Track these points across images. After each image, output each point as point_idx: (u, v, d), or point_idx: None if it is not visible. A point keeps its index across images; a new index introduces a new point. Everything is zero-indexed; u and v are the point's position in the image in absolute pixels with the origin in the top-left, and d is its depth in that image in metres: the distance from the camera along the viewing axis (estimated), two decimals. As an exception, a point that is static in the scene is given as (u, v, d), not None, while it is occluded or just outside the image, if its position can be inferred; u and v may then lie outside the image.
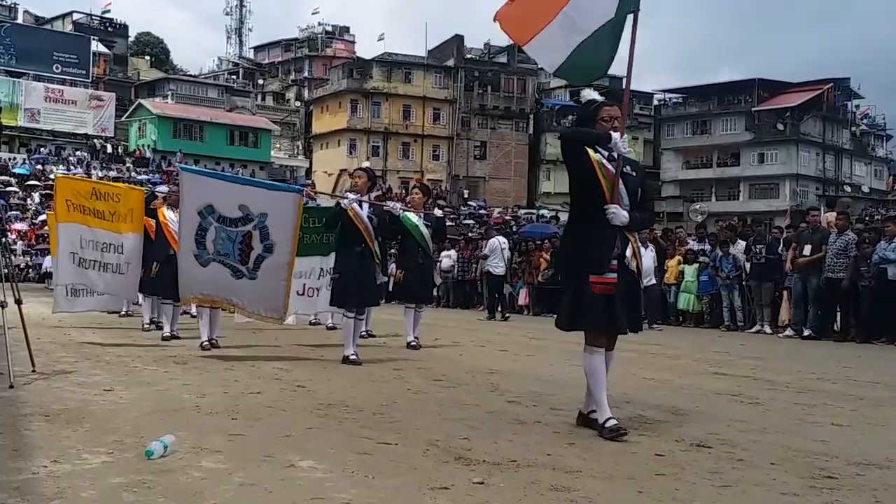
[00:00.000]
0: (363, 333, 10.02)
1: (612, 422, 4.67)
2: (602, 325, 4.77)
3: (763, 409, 5.99)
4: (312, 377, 6.87)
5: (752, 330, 15.07)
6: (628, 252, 4.82)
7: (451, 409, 5.54)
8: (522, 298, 21.19)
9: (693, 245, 17.53)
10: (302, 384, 6.53)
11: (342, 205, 8.25)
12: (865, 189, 63.71)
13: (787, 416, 5.69)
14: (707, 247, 16.94)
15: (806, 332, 13.61)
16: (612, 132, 4.79)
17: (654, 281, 15.49)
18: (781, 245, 15.19)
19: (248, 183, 9.18)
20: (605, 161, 4.82)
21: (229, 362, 7.87)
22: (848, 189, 61.40)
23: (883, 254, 12.79)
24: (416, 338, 9.92)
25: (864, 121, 69.99)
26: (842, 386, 7.50)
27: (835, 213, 15.64)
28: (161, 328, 10.86)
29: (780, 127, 61.68)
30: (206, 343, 9.00)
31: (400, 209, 8.93)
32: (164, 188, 10.75)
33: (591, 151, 4.81)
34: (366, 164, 9.67)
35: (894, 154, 73.01)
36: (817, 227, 14.34)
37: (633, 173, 4.96)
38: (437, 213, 10.43)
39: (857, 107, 68.88)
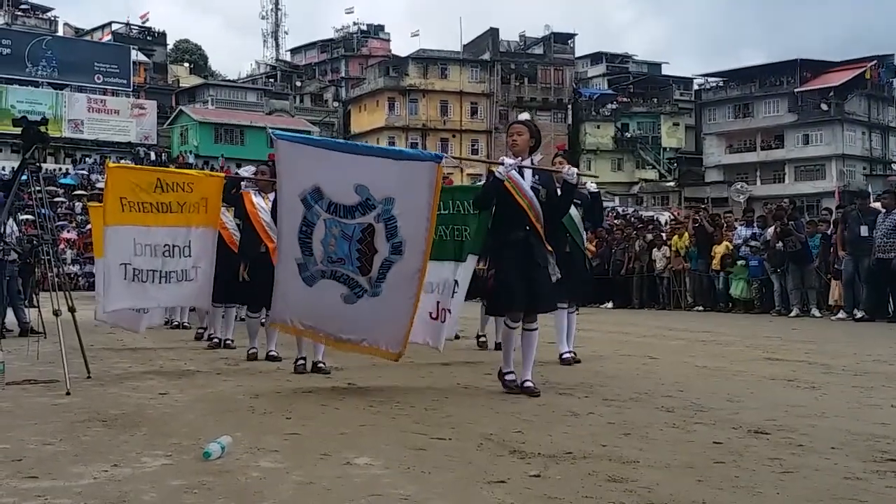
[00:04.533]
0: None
1: None
2: None
3: (820, 393, 5.90)
4: (363, 374, 6.89)
5: (792, 315, 14.84)
6: None
7: (503, 403, 5.52)
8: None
9: (741, 230, 17.22)
10: (353, 382, 6.55)
11: (498, 174, 5.96)
12: (914, 166, 62.52)
13: (844, 400, 5.59)
14: (757, 230, 16.67)
15: (858, 315, 13.37)
16: None
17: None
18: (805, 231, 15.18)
19: (367, 152, 6.50)
20: None
21: (278, 362, 7.89)
22: (896, 167, 60.27)
23: (936, 232, 12.55)
24: (571, 350, 7.86)
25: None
26: (900, 367, 7.36)
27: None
28: (226, 345, 9.46)
29: (824, 107, 60.64)
30: (254, 350, 8.28)
31: (578, 175, 6.26)
32: (250, 168, 8.56)
33: None
34: (524, 115, 6.93)
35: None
36: (866, 208, 14.08)
37: None
38: (591, 187, 7.94)
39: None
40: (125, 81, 64.04)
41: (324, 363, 7.12)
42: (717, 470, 3.67)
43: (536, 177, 6.05)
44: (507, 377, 6.01)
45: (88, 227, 36.94)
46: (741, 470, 3.66)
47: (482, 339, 9.30)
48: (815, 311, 14.74)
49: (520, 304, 5.85)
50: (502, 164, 5.96)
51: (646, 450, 4.05)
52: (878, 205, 14.22)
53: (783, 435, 4.38)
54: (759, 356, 8.33)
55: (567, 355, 7.75)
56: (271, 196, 7.74)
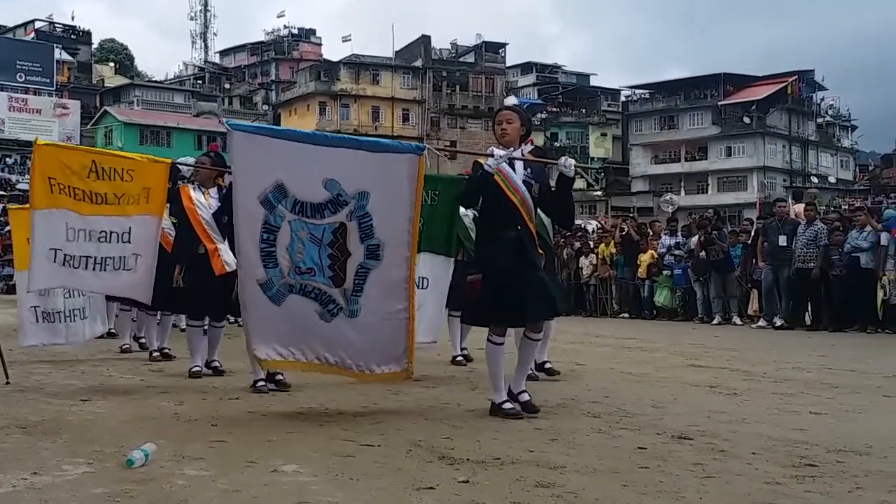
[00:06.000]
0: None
1: None
2: None
3: (741, 399, 6.04)
4: (290, 381, 6.81)
5: (714, 322, 15.15)
6: None
7: (433, 409, 5.53)
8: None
9: (666, 239, 17.51)
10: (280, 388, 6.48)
11: (487, 167, 5.21)
12: (832, 180, 64.44)
13: (765, 406, 5.74)
14: (681, 239, 16.99)
15: (778, 323, 13.72)
16: None
17: None
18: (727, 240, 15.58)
19: (338, 143, 5.48)
20: None
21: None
22: (815, 180, 62.02)
23: (855, 243, 12.95)
24: (546, 361, 7.27)
25: (829, 112, 70.70)
26: (817, 374, 7.58)
27: (802, 205, 15.79)
28: (168, 357, 8.50)
29: (747, 120, 62.16)
30: (198, 368, 7.18)
31: (573, 166, 5.33)
32: (189, 159, 7.40)
33: None
34: (511, 99, 6.20)
35: (859, 144, 73.91)
36: (785, 218, 14.44)
37: None
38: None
39: (822, 98, 69.61)
40: (48, 80, 62.57)
41: (283, 374, 6.41)
42: (641, 475, 3.73)
43: (528, 170, 5.34)
44: (506, 406, 5.24)
45: (7, 229, 35.83)
46: (665, 475, 3.73)
47: (464, 352, 8.67)
48: (737, 319, 15.06)
49: (508, 315, 5.20)
50: (491, 155, 5.29)
51: (572, 455, 4.10)
52: (800, 209, 14.61)
53: (706, 440, 4.48)
54: (683, 363, 8.49)
55: (548, 364, 7.27)
56: (212, 191, 7.14)
